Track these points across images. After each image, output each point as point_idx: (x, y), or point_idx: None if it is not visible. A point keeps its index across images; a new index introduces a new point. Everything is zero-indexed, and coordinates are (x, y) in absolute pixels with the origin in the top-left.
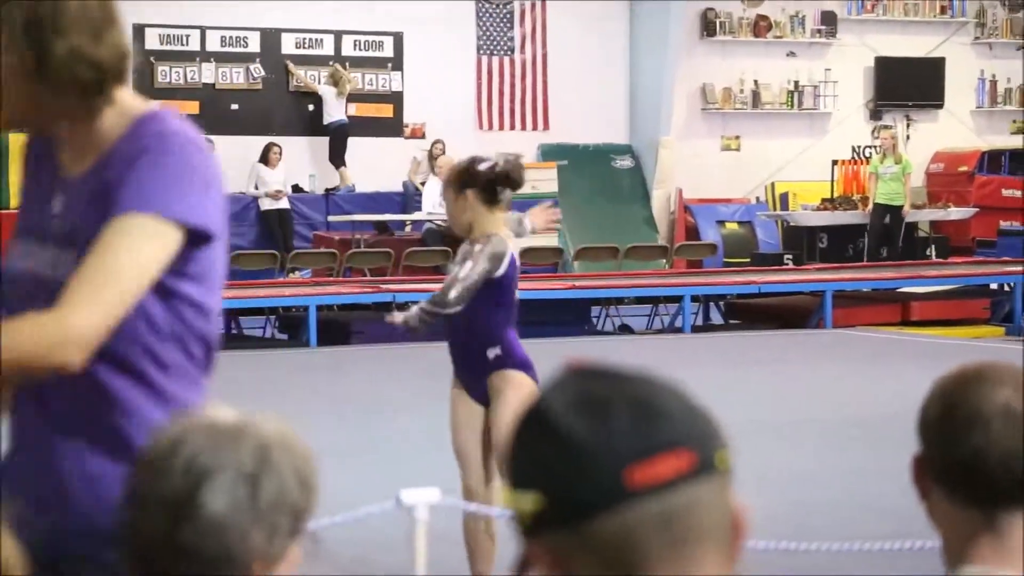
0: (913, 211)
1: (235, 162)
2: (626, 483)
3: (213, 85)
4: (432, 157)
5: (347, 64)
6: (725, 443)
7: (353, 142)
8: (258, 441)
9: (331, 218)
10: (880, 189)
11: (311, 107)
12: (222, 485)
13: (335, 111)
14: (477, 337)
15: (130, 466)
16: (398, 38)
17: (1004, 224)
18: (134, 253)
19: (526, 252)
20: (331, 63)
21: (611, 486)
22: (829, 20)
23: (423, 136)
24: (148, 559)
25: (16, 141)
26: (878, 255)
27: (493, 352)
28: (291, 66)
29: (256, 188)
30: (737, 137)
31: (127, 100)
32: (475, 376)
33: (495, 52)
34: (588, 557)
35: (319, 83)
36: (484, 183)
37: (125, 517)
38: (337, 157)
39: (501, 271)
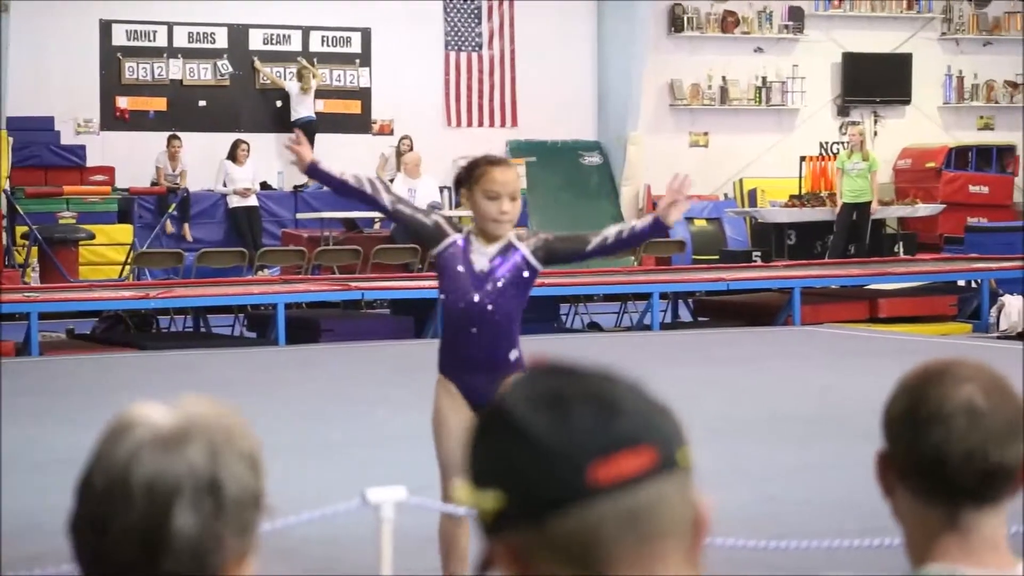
0: (881, 207)
1: (203, 159)
2: (588, 481)
3: (181, 81)
4: (399, 153)
5: (315, 60)
6: (685, 440)
7: (321, 138)
8: (205, 439)
9: (299, 215)
10: (847, 186)
11: (279, 103)
12: (188, 502)
13: (302, 108)
14: (508, 339)
15: (82, 489)
16: (366, 34)
17: (972, 220)
18: None
19: None
20: (298, 59)
21: (573, 483)
22: (797, 16)
23: (391, 132)
24: None
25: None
26: (845, 253)
27: (514, 354)
28: (257, 63)
29: (224, 185)
30: (705, 133)
31: None
32: (490, 379)
33: (463, 48)
34: (550, 555)
35: (285, 79)
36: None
37: (88, 552)
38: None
39: (440, 246)
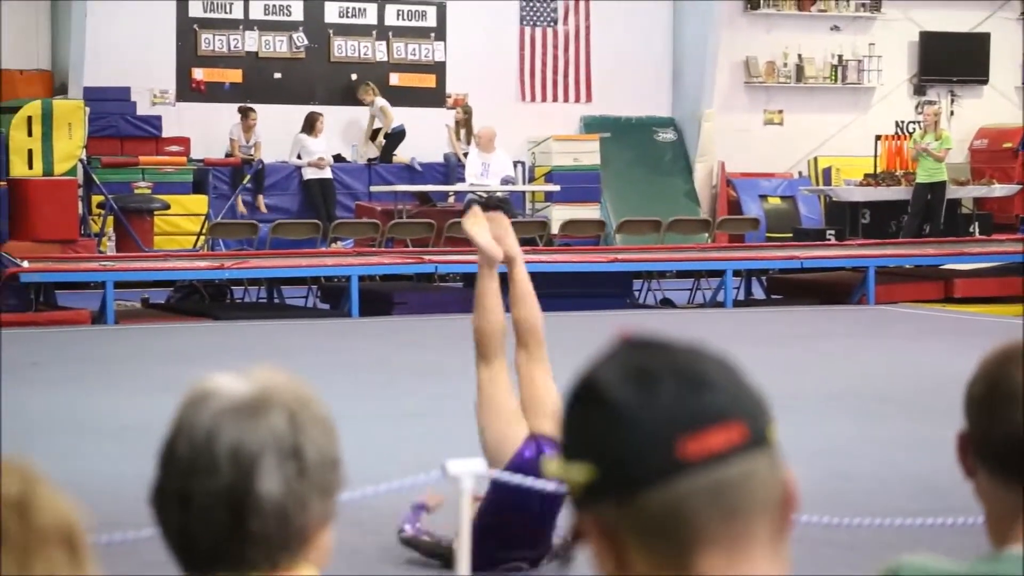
0: (957, 187)
1: (277, 131)
2: (677, 455)
3: (256, 54)
4: (458, 123)
5: (390, 33)
6: (773, 417)
7: (396, 112)
8: (284, 406)
9: (373, 188)
10: (920, 166)
11: (354, 76)
12: (272, 466)
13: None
14: None
15: (165, 458)
16: (441, 8)
17: None
18: None
19: (568, 225)
20: (366, 85)
21: (662, 458)
22: None
23: (463, 104)
24: (212, 556)
25: (61, 107)
26: (920, 233)
27: None
28: (386, 106)
29: (299, 158)
30: (780, 111)
31: None
32: None
33: (538, 23)
34: (638, 529)
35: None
36: None
37: (173, 522)
38: (391, 153)
39: None
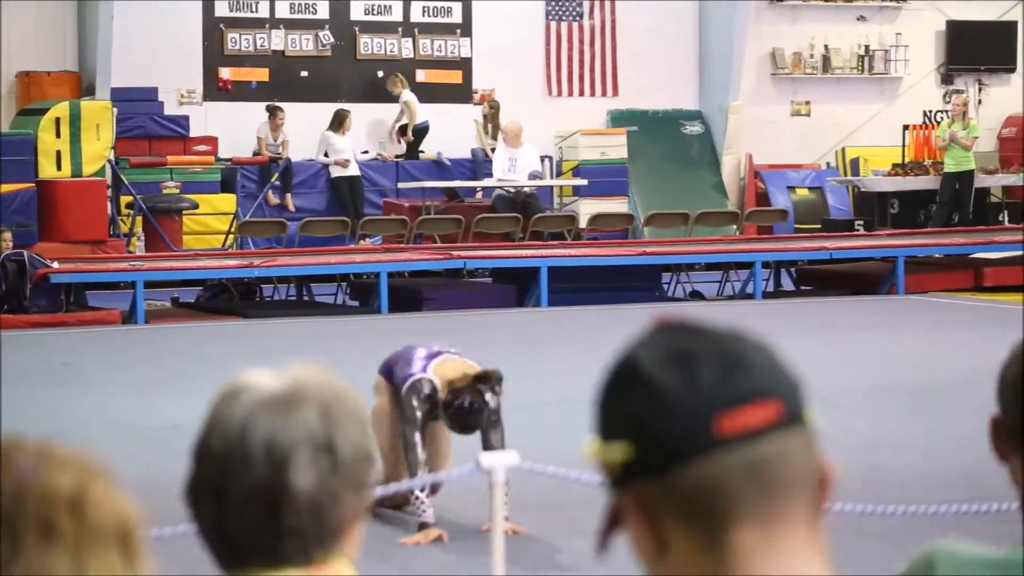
0: (985, 176)
1: (304, 129)
2: (714, 431)
3: (283, 52)
4: (485, 117)
5: (416, 30)
6: (809, 400)
7: (422, 109)
8: (317, 401)
9: (401, 185)
10: (948, 155)
11: (380, 73)
12: (305, 461)
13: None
14: None
15: (199, 453)
16: (467, 4)
17: None
18: None
19: (596, 219)
20: (395, 76)
21: (699, 434)
22: None
23: (489, 100)
24: (247, 551)
25: (89, 109)
26: (948, 222)
27: None
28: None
29: (326, 155)
30: (807, 102)
31: None
32: None
33: (564, 18)
34: (675, 506)
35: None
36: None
37: (207, 517)
38: (416, 151)
39: None
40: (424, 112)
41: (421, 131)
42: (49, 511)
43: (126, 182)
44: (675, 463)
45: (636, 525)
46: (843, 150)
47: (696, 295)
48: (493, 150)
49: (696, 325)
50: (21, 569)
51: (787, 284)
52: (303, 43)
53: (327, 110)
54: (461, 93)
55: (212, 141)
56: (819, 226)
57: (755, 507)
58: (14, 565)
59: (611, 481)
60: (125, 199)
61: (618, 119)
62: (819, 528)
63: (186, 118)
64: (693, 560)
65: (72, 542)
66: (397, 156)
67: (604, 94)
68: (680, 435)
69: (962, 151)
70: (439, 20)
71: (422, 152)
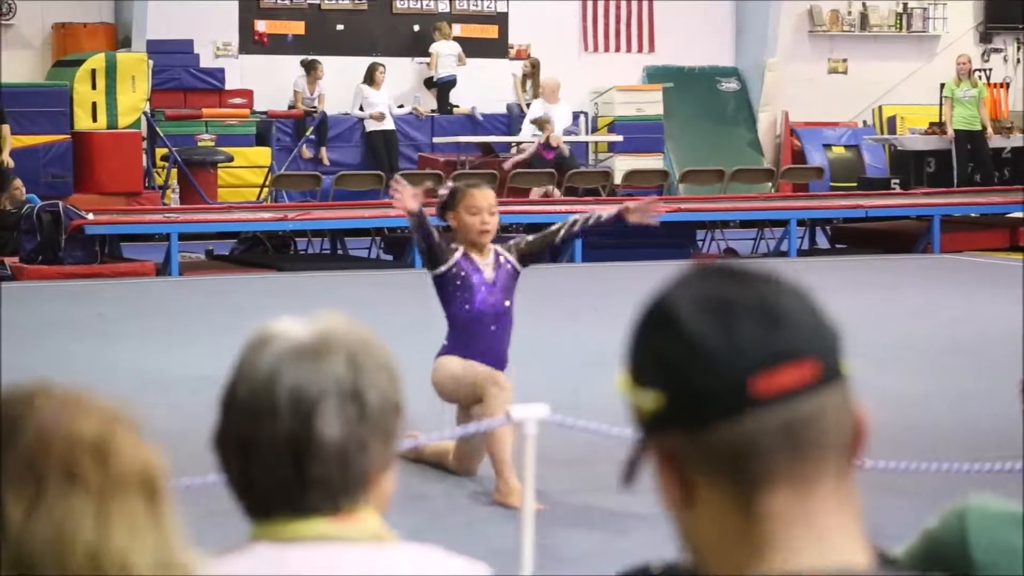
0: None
1: (339, 83)
2: (749, 392)
3: (319, 6)
4: (525, 76)
5: None
6: (845, 351)
7: (447, 61)
8: (345, 350)
9: (436, 139)
10: (958, 113)
11: (416, 28)
12: (332, 410)
13: (441, 68)
14: (511, 333)
15: (226, 402)
16: None
17: None
18: None
19: (631, 175)
20: (441, 23)
21: (734, 394)
22: None
23: (528, 57)
24: (274, 500)
25: (125, 60)
26: (971, 180)
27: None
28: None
29: (361, 109)
30: (844, 60)
31: None
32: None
33: None
34: (705, 461)
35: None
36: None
37: (234, 466)
38: (444, 106)
39: (447, 264)
40: (449, 65)
41: (446, 84)
42: (72, 456)
43: (161, 134)
44: (707, 421)
45: (663, 475)
46: (880, 108)
47: (731, 252)
48: (529, 105)
49: (738, 270)
50: (44, 513)
51: (822, 242)
52: None
53: (362, 64)
54: (497, 48)
55: (247, 94)
56: (855, 184)
57: (787, 469)
58: (38, 509)
59: (639, 425)
60: (160, 151)
61: (654, 75)
62: (851, 483)
63: (221, 71)
64: (723, 519)
65: (95, 488)
66: (432, 111)
67: (640, 50)
68: (714, 393)
69: (970, 109)
70: None
71: (456, 107)
